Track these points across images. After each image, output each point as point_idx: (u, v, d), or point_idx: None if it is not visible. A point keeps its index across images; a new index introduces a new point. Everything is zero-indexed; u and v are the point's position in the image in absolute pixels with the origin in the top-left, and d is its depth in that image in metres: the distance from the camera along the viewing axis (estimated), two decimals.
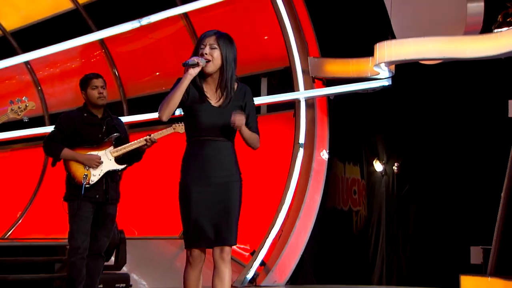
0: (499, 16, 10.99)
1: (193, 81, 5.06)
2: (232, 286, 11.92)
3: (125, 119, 12.29)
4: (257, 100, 13.22)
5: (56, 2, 14.94)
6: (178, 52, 14.31)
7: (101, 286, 10.14)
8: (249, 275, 12.19)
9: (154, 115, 13.43)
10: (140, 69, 15.22)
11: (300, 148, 12.76)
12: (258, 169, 13.35)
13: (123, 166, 7.61)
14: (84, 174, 7.34)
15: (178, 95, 5.02)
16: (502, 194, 9.92)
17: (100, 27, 14.46)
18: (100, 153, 7.41)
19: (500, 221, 9.89)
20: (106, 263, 10.14)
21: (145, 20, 13.56)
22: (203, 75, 5.11)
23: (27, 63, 15.38)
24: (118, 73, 14.84)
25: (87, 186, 7.34)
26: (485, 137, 11.68)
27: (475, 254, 10.84)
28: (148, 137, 7.56)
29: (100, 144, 7.45)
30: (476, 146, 11.94)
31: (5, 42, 15.39)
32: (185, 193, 5.10)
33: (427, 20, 11.20)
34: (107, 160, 7.45)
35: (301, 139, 12.79)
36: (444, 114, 12.64)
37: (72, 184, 7.31)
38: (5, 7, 15.31)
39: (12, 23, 15.44)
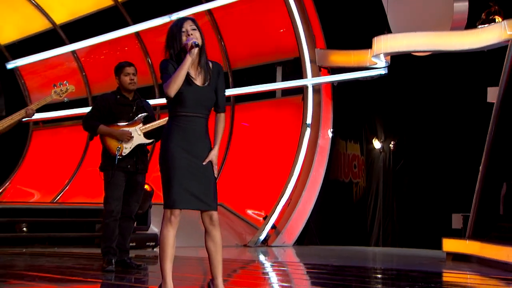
0: (483, 14, 10.93)
1: (179, 61, 4.80)
2: (246, 246, 12.15)
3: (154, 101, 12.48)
4: (271, 86, 13.44)
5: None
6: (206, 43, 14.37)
7: (133, 244, 10.22)
8: (262, 237, 12.31)
9: None
10: None
11: (307, 128, 12.77)
12: (271, 146, 13.49)
13: (150, 140, 7.56)
14: (118, 147, 7.35)
15: (183, 74, 4.74)
16: (480, 168, 9.91)
17: (136, 21, 14.51)
18: (131, 129, 7.40)
19: (477, 192, 9.80)
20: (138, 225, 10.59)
21: (175, 15, 13.46)
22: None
23: (73, 52, 15.58)
24: (151, 61, 14.89)
25: (119, 157, 7.36)
26: (467, 119, 11.58)
27: (456, 220, 10.76)
28: None
29: (131, 122, 7.44)
30: (459, 127, 11.86)
31: (55, 34, 15.58)
32: (169, 159, 4.80)
33: (419, 17, 11.13)
34: (137, 135, 7.42)
35: (308, 120, 12.80)
36: (433, 99, 12.56)
37: (107, 155, 7.33)
38: (55, 4, 15.45)
39: (61, 17, 15.56)
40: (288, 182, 12.61)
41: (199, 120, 4.81)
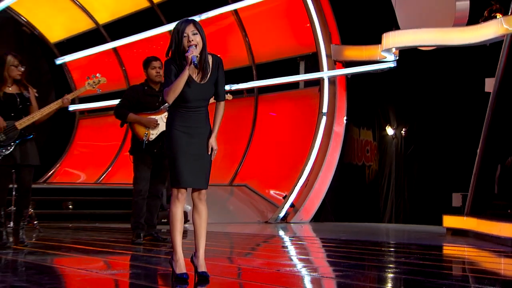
0: (485, 11, 10.86)
1: (180, 64, 4.73)
2: (267, 222, 12.26)
3: None
4: (289, 79, 13.45)
5: (136, 1, 15.10)
6: (227, 40, 14.47)
7: (165, 220, 10.53)
8: (281, 214, 12.42)
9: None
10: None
11: (324, 116, 12.80)
12: (290, 132, 13.57)
13: None
14: (145, 133, 7.46)
15: (181, 85, 4.69)
16: (478, 152, 9.94)
17: (170, 20, 14.42)
18: (157, 117, 7.49)
19: (475, 173, 9.87)
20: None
21: (204, 15, 13.65)
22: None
23: (114, 49, 15.74)
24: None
25: (147, 142, 7.48)
26: (468, 107, 11.53)
27: (456, 199, 10.66)
28: None
29: (157, 110, 7.53)
30: (461, 115, 11.83)
31: (98, 33, 15.78)
32: (174, 145, 4.78)
33: (424, 14, 11.11)
34: (162, 122, 7.46)
35: (324, 109, 12.82)
36: (439, 90, 12.51)
37: (136, 141, 7.49)
38: (98, 6, 15.64)
39: (103, 18, 15.72)
40: (306, 165, 12.66)
41: (199, 110, 4.80)
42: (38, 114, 7.01)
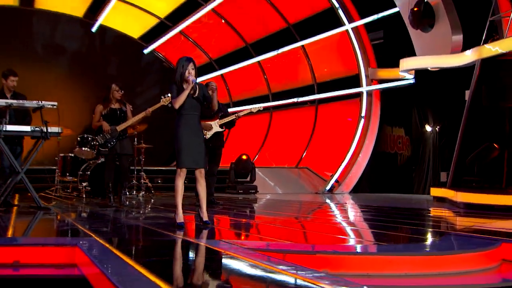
0: (489, 40, 10.35)
1: (180, 85, 4.92)
2: (317, 193, 12.55)
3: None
4: (342, 92, 13.53)
5: (236, 42, 15.08)
6: (297, 66, 14.51)
7: (241, 191, 11.05)
8: (328, 187, 12.84)
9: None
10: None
11: (362, 118, 13.13)
12: (338, 130, 13.78)
13: (223, 129, 7.64)
14: (204, 133, 6.51)
15: (183, 98, 4.88)
16: (456, 146, 10.02)
17: (258, 54, 14.74)
18: (212, 123, 7.56)
19: (454, 158, 10.04)
20: (245, 179, 11.43)
21: (281, 50, 14.17)
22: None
23: (222, 75, 15.87)
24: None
25: (204, 138, 6.68)
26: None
27: (443, 176, 10.96)
28: (236, 114, 7.67)
29: (212, 118, 7.54)
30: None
31: (211, 65, 15.86)
32: (178, 139, 4.89)
33: (430, 45, 11.13)
34: (215, 126, 7.54)
35: (363, 113, 13.14)
36: (456, 98, 11.89)
37: None
38: (210, 46, 15.55)
39: (214, 54, 15.84)
40: (348, 152, 12.98)
41: (194, 116, 4.99)
42: (130, 122, 7.34)
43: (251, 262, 3.03)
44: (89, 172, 8.92)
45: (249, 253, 3.35)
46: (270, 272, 2.83)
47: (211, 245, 3.82)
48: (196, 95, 4.98)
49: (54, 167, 9.68)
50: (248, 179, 11.52)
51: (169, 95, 6.05)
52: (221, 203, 8.00)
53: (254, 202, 9.37)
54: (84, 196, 8.88)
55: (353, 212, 7.87)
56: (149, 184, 9.98)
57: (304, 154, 14.23)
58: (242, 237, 4.77)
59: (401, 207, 8.44)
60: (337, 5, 13.15)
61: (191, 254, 3.68)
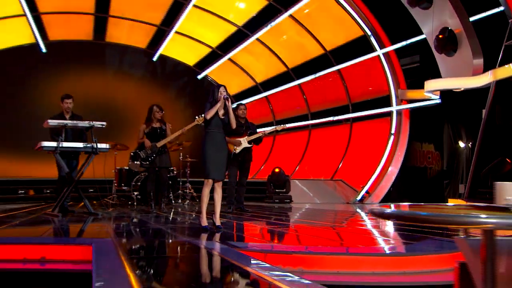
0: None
1: (214, 104, 5.03)
2: (348, 203, 12.46)
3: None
4: (374, 111, 13.40)
5: (278, 68, 15.01)
6: (333, 88, 14.36)
7: (277, 201, 11.04)
8: (358, 198, 12.70)
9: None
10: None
11: (392, 135, 12.97)
12: (371, 145, 13.60)
13: (251, 145, 7.60)
14: (234, 148, 7.52)
15: (214, 110, 4.98)
16: (472, 162, 9.86)
17: (298, 78, 14.80)
18: (241, 139, 7.56)
19: (471, 171, 9.84)
20: (282, 190, 11.42)
21: (318, 74, 14.13)
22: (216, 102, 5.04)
23: (266, 97, 15.95)
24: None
25: (234, 153, 7.51)
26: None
27: (461, 188, 10.62)
28: (262, 132, 7.58)
29: (241, 135, 7.58)
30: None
31: (256, 88, 15.86)
32: (205, 153, 4.93)
33: (454, 68, 10.96)
34: (244, 142, 7.56)
35: (392, 131, 12.96)
36: (475, 117, 11.88)
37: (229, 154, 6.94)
38: (256, 71, 15.68)
39: (259, 78, 15.62)
40: (378, 166, 12.80)
41: (220, 134, 5.08)
42: (168, 139, 7.45)
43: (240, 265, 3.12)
44: (139, 183, 9.23)
45: (237, 253, 3.49)
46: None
47: (209, 246, 3.96)
48: (222, 116, 5.09)
49: (112, 179, 10.21)
50: (284, 190, 11.59)
51: (202, 115, 5.99)
52: (250, 210, 8.01)
53: (289, 210, 9.36)
54: (135, 203, 9.18)
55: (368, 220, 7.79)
56: (194, 194, 10.21)
57: (339, 167, 14.18)
58: (253, 240, 4.73)
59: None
60: (369, 32, 13.13)
61: (182, 253, 3.74)
